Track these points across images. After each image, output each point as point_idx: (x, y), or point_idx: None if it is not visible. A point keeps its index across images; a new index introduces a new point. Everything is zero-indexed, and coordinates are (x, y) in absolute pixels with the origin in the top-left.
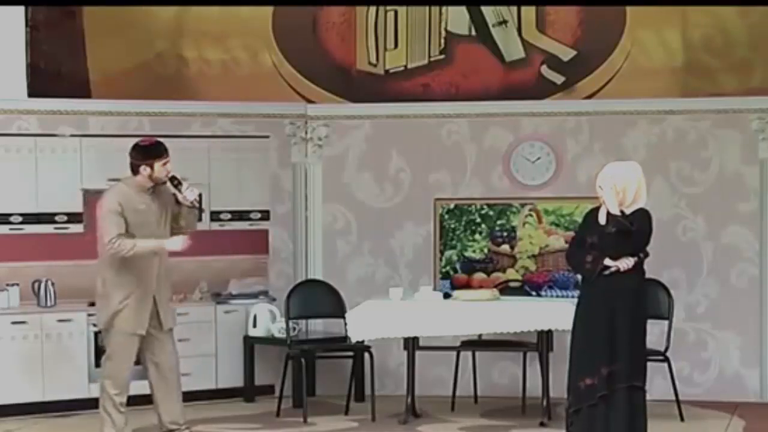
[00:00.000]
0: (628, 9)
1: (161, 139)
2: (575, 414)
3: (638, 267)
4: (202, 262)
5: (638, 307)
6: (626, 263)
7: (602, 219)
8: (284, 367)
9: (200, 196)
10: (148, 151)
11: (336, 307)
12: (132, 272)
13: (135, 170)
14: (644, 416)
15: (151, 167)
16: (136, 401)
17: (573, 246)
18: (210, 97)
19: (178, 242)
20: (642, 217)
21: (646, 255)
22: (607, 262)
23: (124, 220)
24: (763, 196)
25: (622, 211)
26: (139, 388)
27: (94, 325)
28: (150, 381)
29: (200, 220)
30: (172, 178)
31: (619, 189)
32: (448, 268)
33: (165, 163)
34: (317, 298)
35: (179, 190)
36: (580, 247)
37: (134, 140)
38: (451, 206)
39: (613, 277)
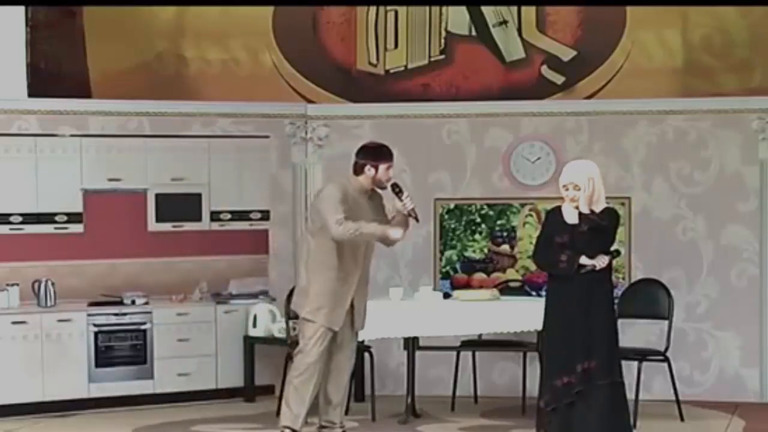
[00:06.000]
0: (628, 9)
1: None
2: (552, 413)
3: (609, 264)
4: (202, 262)
5: (611, 303)
6: (602, 261)
7: (571, 218)
8: (284, 367)
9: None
10: (376, 153)
11: None
12: (336, 268)
13: (359, 170)
14: (627, 411)
15: (376, 169)
16: (137, 401)
17: (541, 245)
18: (210, 97)
19: (400, 232)
20: (612, 215)
21: (618, 253)
22: (584, 260)
23: (346, 208)
24: (763, 196)
25: (591, 210)
26: (141, 387)
27: (95, 324)
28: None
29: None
30: (394, 185)
31: (594, 186)
32: (448, 268)
33: (389, 168)
34: None
35: (400, 198)
36: (549, 246)
37: (134, 140)
38: (451, 206)
39: (588, 275)
